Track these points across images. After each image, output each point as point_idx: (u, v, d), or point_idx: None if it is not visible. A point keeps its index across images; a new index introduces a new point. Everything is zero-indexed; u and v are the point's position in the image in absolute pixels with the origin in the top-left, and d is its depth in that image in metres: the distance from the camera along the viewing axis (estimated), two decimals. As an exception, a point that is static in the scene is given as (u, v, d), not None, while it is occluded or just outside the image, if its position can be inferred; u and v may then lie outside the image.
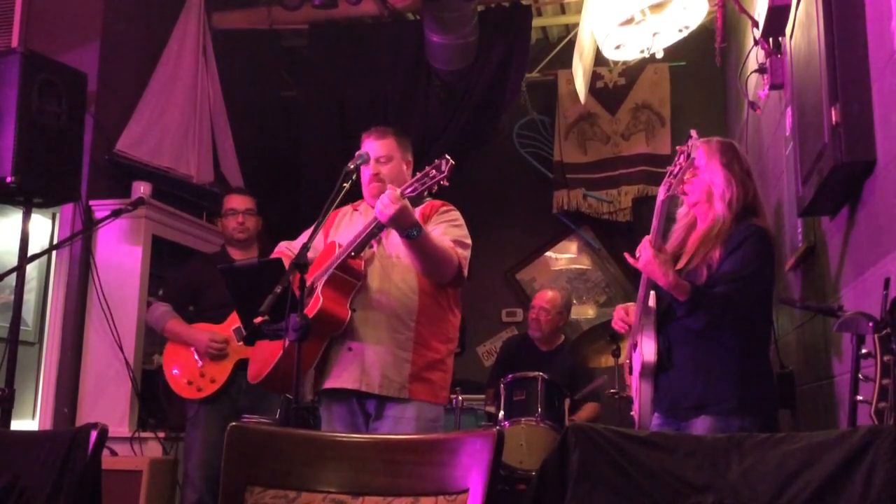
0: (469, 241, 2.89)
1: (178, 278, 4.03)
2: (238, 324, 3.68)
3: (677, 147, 2.66)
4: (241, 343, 3.65)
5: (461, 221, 2.93)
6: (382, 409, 2.77)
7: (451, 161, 2.51)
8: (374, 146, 2.94)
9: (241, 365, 3.62)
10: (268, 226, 4.21)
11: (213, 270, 3.82)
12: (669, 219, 2.87)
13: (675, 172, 2.61)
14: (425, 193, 2.58)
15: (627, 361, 2.96)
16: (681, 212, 2.87)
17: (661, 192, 2.67)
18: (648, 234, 2.66)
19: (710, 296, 2.54)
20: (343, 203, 2.86)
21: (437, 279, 2.82)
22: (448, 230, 2.86)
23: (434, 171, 2.53)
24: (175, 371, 3.77)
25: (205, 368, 3.71)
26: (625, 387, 3.93)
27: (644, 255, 2.60)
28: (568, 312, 4.92)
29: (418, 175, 2.59)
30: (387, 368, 2.74)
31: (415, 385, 2.76)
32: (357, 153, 2.84)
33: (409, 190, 2.58)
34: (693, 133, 2.62)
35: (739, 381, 2.54)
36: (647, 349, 2.68)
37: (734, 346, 2.57)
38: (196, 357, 3.74)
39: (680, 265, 2.70)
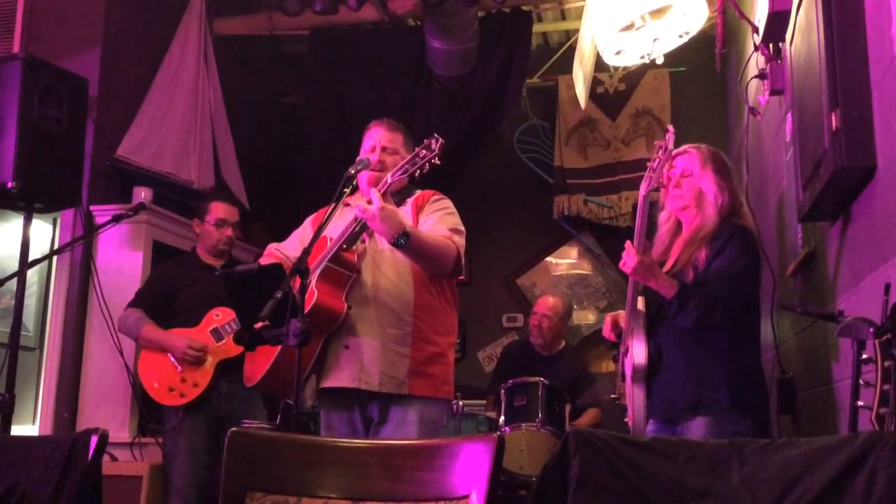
0: (463, 228, 2.90)
1: (149, 284, 3.96)
2: (215, 325, 3.67)
3: (656, 142, 2.75)
4: (220, 344, 3.64)
5: (454, 209, 2.93)
6: (386, 413, 2.75)
7: (441, 140, 2.53)
8: (385, 136, 2.94)
9: (223, 367, 3.62)
10: (269, 231, 4.21)
11: (186, 274, 3.81)
12: (651, 223, 2.91)
13: (654, 167, 2.68)
14: (416, 174, 2.59)
15: (620, 369, 2.96)
16: (662, 217, 2.90)
17: (642, 188, 2.72)
18: (645, 237, 2.69)
19: (699, 292, 2.57)
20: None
21: (436, 272, 2.82)
22: (442, 218, 2.86)
23: (424, 150, 2.54)
24: (153, 379, 3.69)
25: (185, 373, 3.63)
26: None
27: (629, 262, 2.63)
28: (569, 318, 4.93)
29: (408, 157, 2.62)
30: (385, 365, 2.72)
31: (414, 381, 2.74)
32: (358, 158, 2.84)
33: (400, 172, 2.59)
34: (670, 128, 2.71)
35: (731, 380, 2.57)
36: (638, 352, 2.70)
37: (725, 346, 2.60)
38: (174, 362, 3.65)
39: (665, 269, 2.73)
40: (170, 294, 3.82)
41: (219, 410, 3.67)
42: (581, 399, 4.48)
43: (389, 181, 2.65)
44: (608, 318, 2.94)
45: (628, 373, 2.74)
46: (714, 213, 2.70)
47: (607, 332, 2.93)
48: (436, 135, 2.54)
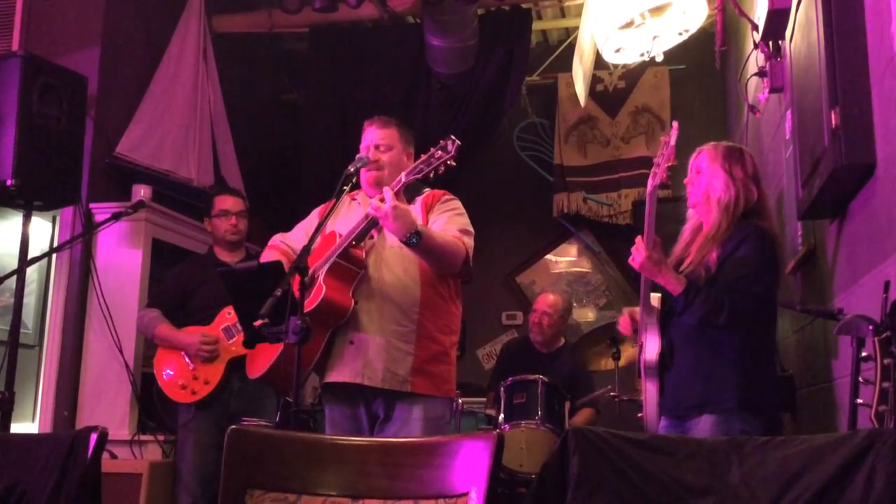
0: (472, 229, 2.89)
1: (166, 284, 3.99)
2: (227, 323, 3.68)
3: (661, 139, 2.81)
4: (231, 342, 3.65)
5: (463, 210, 2.93)
6: (391, 410, 2.76)
7: (457, 141, 2.50)
8: (376, 134, 2.94)
9: (234, 365, 3.62)
10: (268, 229, 4.20)
11: (201, 273, 3.83)
12: (679, 220, 2.91)
13: (658, 163, 2.73)
14: (431, 175, 2.57)
15: (638, 364, 2.96)
16: (689, 213, 2.89)
17: (649, 184, 2.75)
18: (654, 232, 2.69)
19: (706, 291, 2.56)
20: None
21: (445, 272, 2.82)
22: (452, 219, 2.85)
23: (440, 151, 2.51)
24: (167, 376, 3.72)
25: (197, 371, 3.66)
26: (630, 390, 3.95)
27: (637, 257, 2.63)
28: (569, 315, 4.94)
29: (423, 157, 2.58)
30: (389, 361, 2.72)
31: (417, 378, 2.74)
32: (357, 156, 2.84)
33: (415, 172, 2.57)
34: (674, 124, 2.77)
35: (740, 380, 2.55)
36: (650, 348, 2.70)
37: (735, 346, 2.58)
38: (187, 360, 3.69)
39: (683, 267, 2.72)
40: (185, 293, 3.85)
41: (229, 408, 3.69)
42: (580, 401, 4.49)
43: (404, 181, 2.63)
44: (625, 311, 2.94)
45: (642, 368, 2.75)
46: (719, 211, 2.68)
47: (623, 327, 2.93)
48: (452, 136, 2.51)
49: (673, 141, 2.78)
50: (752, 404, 2.54)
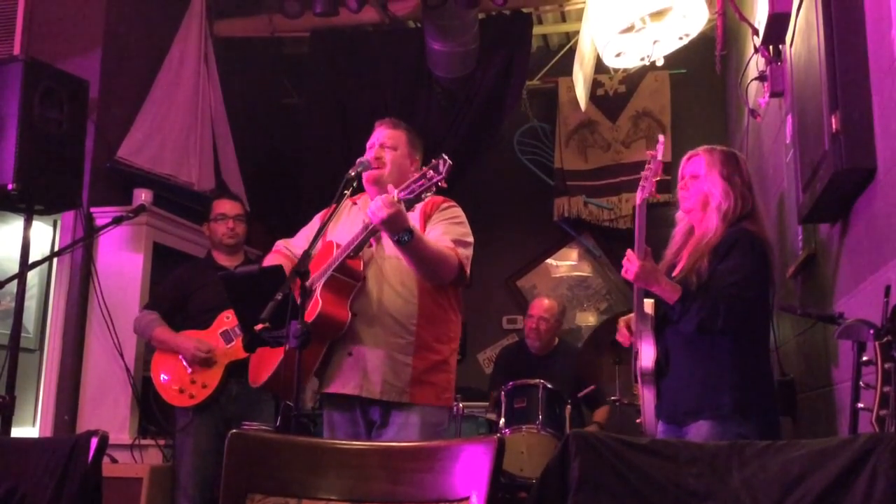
0: (471, 238, 2.85)
1: (165, 286, 3.99)
2: (225, 327, 3.69)
3: (647, 152, 2.84)
4: (228, 347, 3.66)
5: (463, 218, 2.89)
6: (387, 416, 2.74)
7: (449, 161, 2.45)
8: (384, 133, 2.93)
9: (232, 369, 3.63)
10: (269, 233, 4.21)
11: (200, 276, 3.84)
12: (673, 224, 2.91)
13: (646, 176, 2.74)
14: (423, 196, 2.55)
15: (634, 371, 2.96)
16: (678, 216, 2.90)
17: (637, 197, 2.76)
18: (646, 241, 2.69)
19: (701, 297, 2.56)
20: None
21: (436, 281, 2.78)
22: (449, 228, 2.81)
23: (431, 171, 2.47)
24: (165, 380, 3.73)
25: (195, 375, 3.67)
26: (628, 394, 3.95)
27: (631, 268, 2.63)
28: (563, 317, 4.96)
29: (415, 176, 2.54)
30: (387, 374, 2.71)
31: (416, 389, 2.73)
32: (358, 160, 2.82)
33: (405, 192, 2.53)
34: (661, 137, 2.83)
35: (736, 385, 2.55)
36: (645, 355, 2.70)
37: (731, 350, 2.59)
38: (185, 364, 3.69)
39: (675, 273, 2.73)
40: (184, 296, 3.86)
41: (227, 412, 3.69)
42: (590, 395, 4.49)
43: (396, 198, 2.54)
44: (621, 321, 2.94)
45: (638, 375, 2.75)
46: (718, 218, 2.69)
47: (622, 337, 2.93)
48: (444, 156, 2.46)
49: (660, 155, 2.80)
50: (748, 408, 2.54)
